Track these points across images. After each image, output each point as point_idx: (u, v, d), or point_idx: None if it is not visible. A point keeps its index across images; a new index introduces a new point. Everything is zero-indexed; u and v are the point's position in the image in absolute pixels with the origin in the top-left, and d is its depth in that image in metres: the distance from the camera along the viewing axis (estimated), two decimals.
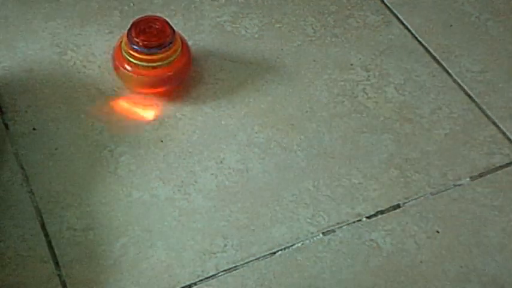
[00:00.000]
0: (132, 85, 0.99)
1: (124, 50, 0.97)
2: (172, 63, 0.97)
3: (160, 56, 0.96)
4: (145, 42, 0.95)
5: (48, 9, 1.11)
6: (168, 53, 0.96)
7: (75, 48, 1.06)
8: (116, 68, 0.99)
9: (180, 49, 0.98)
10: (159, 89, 1.00)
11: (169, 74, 0.98)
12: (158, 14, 1.10)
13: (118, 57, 0.98)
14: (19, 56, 1.04)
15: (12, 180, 0.90)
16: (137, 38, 0.95)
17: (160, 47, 0.96)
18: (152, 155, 0.94)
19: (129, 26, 0.97)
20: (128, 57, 0.96)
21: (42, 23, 1.09)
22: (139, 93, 1.00)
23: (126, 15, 1.10)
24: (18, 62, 1.03)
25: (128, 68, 0.97)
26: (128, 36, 0.96)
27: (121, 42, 0.98)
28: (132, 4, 1.12)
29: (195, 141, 0.96)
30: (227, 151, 0.95)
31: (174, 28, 0.98)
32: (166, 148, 0.95)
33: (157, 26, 0.97)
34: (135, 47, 0.95)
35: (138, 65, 0.96)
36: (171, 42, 0.96)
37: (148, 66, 0.96)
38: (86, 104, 0.99)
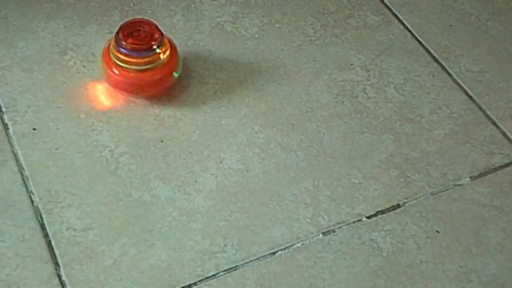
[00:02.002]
0: (120, 89, 0.98)
1: (112, 53, 0.96)
2: (160, 66, 0.96)
3: (148, 59, 0.95)
4: (133, 45, 0.94)
5: (48, 9, 1.11)
6: (156, 56, 0.95)
7: (75, 48, 1.06)
8: (104, 72, 0.98)
9: (168, 52, 0.97)
10: (148, 93, 0.99)
11: (157, 77, 0.97)
12: (158, 14, 1.11)
13: (106, 60, 0.97)
14: (19, 56, 1.04)
15: (12, 180, 0.90)
16: (125, 41, 0.94)
17: (149, 50, 0.95)
18: (152, 155, 0.94)
19: (117, 29, 0.96)
20: (116, 61, 0.95)
21: (42, 23, 1.09)
22: (128, 96, 0.99)
23: (126, 15, 1.10)
24: (18, 62, 1.03)
25: (116, 71, 0.96)
26: (115, 39, 0.95)
27: (109, 45, 0.97)
28: (132, 4, 1.12)
29: (195, 141, 0.96)
30: (227, 151, 0.95)
31: (163, 31, 0.97)
32: (166, 148, 0.95)
33: (145, 29, 0.96)
34: (123, 50, 0.94)
35: (126, 68, 0.95)
36: (159, 46, 0.95)
37: (136, 70, 0.95)
38: (86, 104, 0.99)
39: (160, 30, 0.97)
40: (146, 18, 1.00)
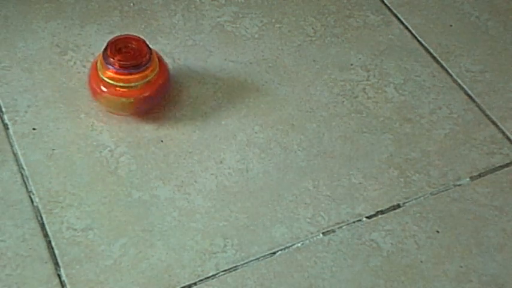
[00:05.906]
0: (108, 106, 0.96)
1: (100, 71, 0.94)
2: (149, 83, 0.94)
3: (137, 76, 0.93)
4: (122, 62, 0.92)
5: (48, 9, 1.11)
6: (145, 73, 0.93)
7: (75, 48, 1.06)
8: (92, 89, 0.96)
9: (157, 69, 0.95)
10: (137, 110, 0.96)
11: (147, 94, 0.94)
12: (158, 14, 1.11)
13: (94, 77, 0.95)
14: (19, 56, 1.04)
15: (12, 180, 0.90)
16: (113, 58, 0.92)
17: (137, 67, 0.92)
18: (152, 155, 0.94)
19: (104, 46, 0.94)
20: (104, 78, 0.93)
21: (42, 23, 1.09)
22: (117, 115, 0.97)
23: (126, 15, 1.10)
24: (18, 62, 1.03)
25: (104, 89, 0.94)
26: (103, 56, 0.93)
27: (96, 62, 0.95)
28: (132, 4, 1.12)
29: (195, 141, 0.96)
30: (227, 151, 0.95)
31: (151, 47, 0.95)
32: (166, 148, 0.95)
33: (133, 46, 0.94)
34: (111, 67, 0.92)
35: (114, 85, 0.93)
36: (147, 62, 0.93)
37: (124, 87, 0.93)
38: (86, 104, 0.99)
39: (148, 46, 0.94)
40: (134, 34, 0.97)
